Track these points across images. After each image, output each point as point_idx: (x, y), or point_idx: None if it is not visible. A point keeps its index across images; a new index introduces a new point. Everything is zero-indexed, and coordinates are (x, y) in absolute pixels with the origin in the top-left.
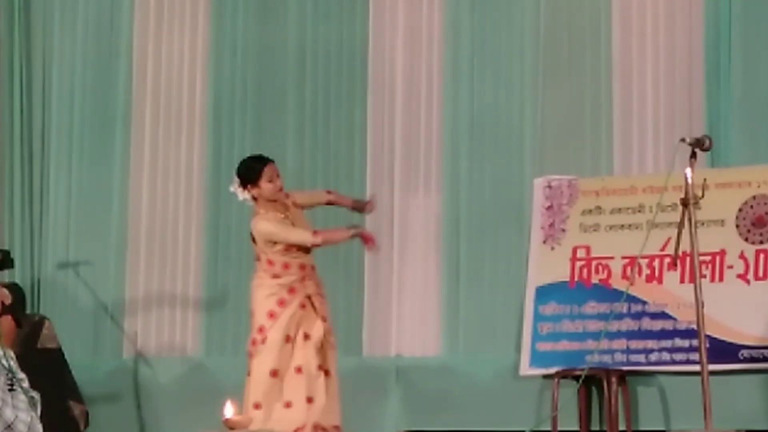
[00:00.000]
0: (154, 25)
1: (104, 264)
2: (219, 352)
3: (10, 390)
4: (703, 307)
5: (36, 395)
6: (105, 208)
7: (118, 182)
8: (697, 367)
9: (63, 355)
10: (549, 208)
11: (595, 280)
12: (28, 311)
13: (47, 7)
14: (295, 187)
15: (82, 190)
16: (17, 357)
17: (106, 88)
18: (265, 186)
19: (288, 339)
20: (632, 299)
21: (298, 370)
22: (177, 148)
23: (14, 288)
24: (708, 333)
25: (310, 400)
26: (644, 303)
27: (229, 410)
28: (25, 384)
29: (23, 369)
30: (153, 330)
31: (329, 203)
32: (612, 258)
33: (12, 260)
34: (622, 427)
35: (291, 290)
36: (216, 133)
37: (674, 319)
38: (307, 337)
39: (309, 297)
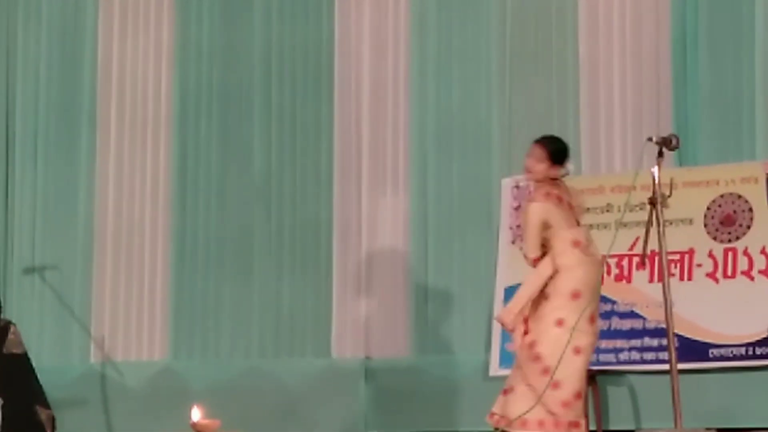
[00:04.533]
0: (119, 27)
1: (71, 268)
2: (187, 355)
3: None
4: (672, 306)
5: None
6: (71, 211)
7: (84, 186)
8: (666, 366)
9: (29, 360)
10: (517, 208)
11: None
12: None
13: (11, 9)
14: (262, 189)
15: (47, 194)
16: None
17: (70, 91)
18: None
19: None
20: (601, 298)
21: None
22: (143, 151)
23: None
24: (677, 332)
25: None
26: (613, 302)
27: (196, 414)
28: None
29: None
30: (120, 334)
31: None
32: None
33: None
34: (592, 427)
35: None
36: (182, 135)
37: (643, 318)
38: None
39: None
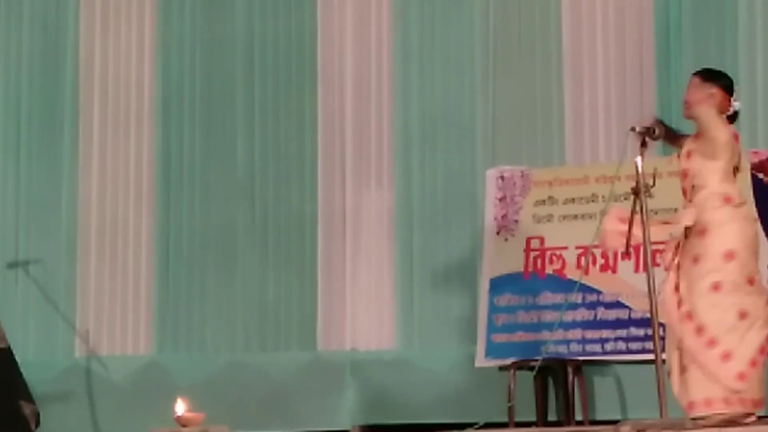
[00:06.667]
0: (101, 20)
1: (55, 262)
2: (172, 349)
3: None
4: (656, 295)
5: None
6: (54, 206)
7: (67, 180)
8: (652, 356)
9: (12, 354)
10: (502, 199)
11: (549, 270)
12: None
13: None
14: (245, 183)
15: (30, 188)
16: None
17: (52, 85)
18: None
19: None
20: (586, 289)
21: None
22: (126, 145)
23: None
24: (662, 322)
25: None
26: (599, 293)
27: (181, 408)
28: None
29: None
30: (105, 328)
31: None
32: (566, 248)
33: None
34: (578, 417)
35: None
36: (165, 129)
37: (629, 308)
38: None
39: None
